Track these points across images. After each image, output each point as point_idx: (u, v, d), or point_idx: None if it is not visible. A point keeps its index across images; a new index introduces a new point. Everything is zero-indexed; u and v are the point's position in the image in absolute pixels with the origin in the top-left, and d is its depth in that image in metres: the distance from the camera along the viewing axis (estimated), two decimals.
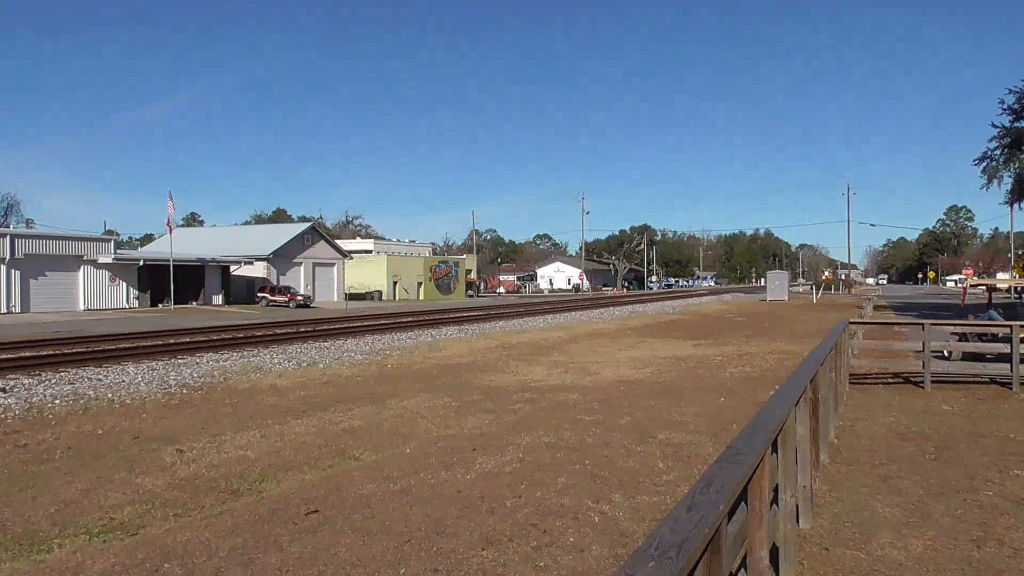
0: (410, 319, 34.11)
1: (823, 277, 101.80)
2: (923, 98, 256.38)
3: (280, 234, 64.42)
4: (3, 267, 39.61)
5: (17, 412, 11.03)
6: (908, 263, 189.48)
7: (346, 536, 5.67)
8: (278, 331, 26.69)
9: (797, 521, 4.98)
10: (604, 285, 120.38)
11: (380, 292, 69.12)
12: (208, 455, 8.40)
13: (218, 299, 52.49)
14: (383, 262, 72.76)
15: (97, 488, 7.09)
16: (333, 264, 66.21)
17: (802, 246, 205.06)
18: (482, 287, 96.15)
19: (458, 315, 36.50)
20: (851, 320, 15.02)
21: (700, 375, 15.13)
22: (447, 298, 74.64)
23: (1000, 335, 13.30)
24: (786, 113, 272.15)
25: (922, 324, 13.49)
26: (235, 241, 62.61)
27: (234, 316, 39.76)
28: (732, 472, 2.90)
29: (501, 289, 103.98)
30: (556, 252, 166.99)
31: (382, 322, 32.12)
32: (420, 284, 74.84)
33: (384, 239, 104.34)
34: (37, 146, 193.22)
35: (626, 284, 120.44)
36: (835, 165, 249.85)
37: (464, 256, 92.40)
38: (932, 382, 12.73)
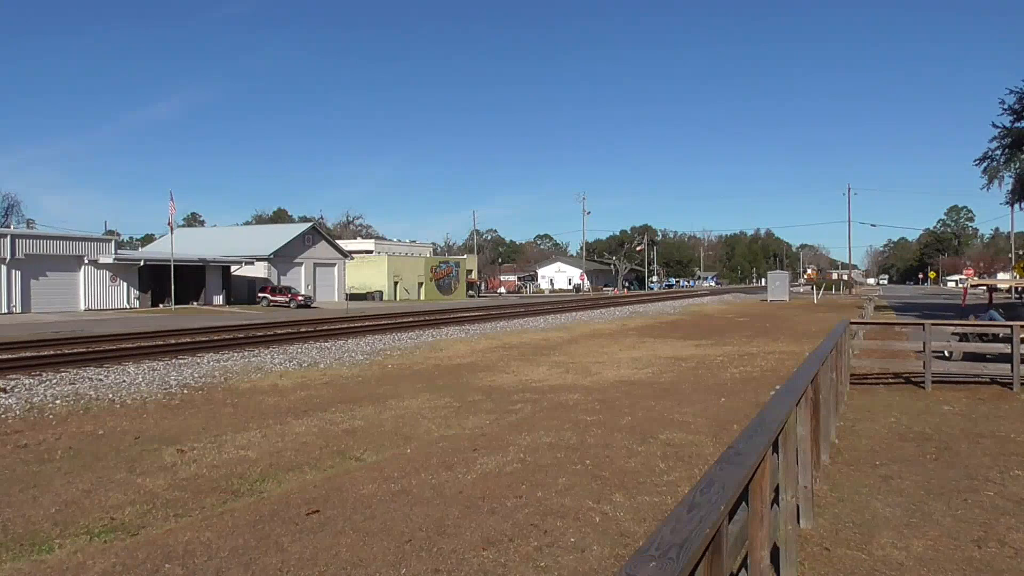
0: (411, 319, 34.12)
1: (807, 276, 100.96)
2: (923, 98, 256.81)
3: (281, 234, 64.46)
4: (4, 267, 39.63)
5: (18, 412, 11.04)
6: (909, 263, 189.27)
7: (347, 536, 5.68)
8: (279, 331, 26.70)
9: (798, 521, 4.98)
10: (605, 285, 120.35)
11: (381, 292, 69.13)
12: (209, 455, 8.40)
13: (219, 299, 52.49)
14: (384, 262, 72.79)
15: (98, 488, 7.09)
16: (334, 264, 66.24)
17: (803, 246, 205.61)
18: (483, 287, 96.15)
19: (459, 315, 36.50)
20: (852, 320, 15.03)
21: (701, 375, 15.13)
22: (448, 298, 74.64)
23: (1001, 335, 13.29)
24: (787, 113, 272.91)
25: (923, 324, 13.48)
26: (236, 241, 62.63)
27: (235, 316, 39.77)
28: (733, 472, 2.90)
29: (502, 289, 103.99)
30: (557, 252, 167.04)
31: (383, 322, 32.12)
32: (421, 284, 74.86)
33: (385, 239, 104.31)
34: (37, 146, 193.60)
35: (627, 284, 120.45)
36: (835, 165, 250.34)
37: (465, 256, 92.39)
38: (933, 382, 12.73)
